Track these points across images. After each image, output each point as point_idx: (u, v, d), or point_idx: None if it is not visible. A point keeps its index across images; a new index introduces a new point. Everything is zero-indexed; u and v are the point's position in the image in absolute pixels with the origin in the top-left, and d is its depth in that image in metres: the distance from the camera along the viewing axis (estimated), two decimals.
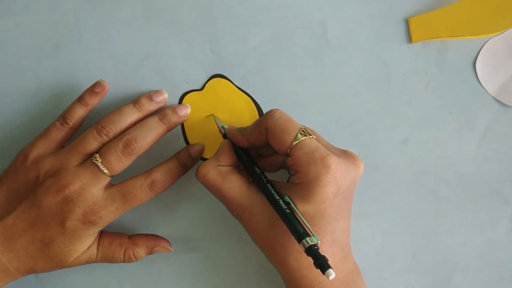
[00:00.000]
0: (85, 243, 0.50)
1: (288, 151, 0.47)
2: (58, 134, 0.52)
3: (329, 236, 0.47)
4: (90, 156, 0.50)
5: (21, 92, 0.55)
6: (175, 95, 0.55)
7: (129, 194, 0.50)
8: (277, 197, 0.47)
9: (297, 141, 0.47)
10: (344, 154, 0.48)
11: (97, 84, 0.53)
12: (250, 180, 0.50)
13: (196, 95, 0.55)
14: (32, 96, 0.55)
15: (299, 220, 0.45)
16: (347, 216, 0.48)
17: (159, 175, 0.51)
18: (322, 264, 0.42)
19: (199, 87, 0.55)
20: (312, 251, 0.43)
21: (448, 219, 0.55)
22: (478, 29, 0.54)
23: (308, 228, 0.45)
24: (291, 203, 0.46)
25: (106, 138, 0.50)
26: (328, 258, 0.44)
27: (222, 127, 0.53)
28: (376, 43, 0.55)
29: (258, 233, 0.48)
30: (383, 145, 0.55)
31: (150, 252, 0.53)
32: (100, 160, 0.49)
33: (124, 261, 0.52)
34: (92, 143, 0.50)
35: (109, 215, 0.50)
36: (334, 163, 0.45)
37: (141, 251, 0.52)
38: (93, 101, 0.53)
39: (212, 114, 0.54)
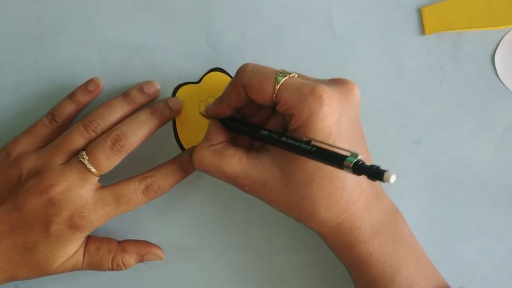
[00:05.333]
0: (71, 249, 0.50)
1: (274, 99, 0.47)
2: (44, 131, 0.51)
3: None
4: (76, 153, 0.49)
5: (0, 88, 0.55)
6: (167, 91, 0.55)
7: (123, 198, 0.50)
8: (297, 143, 0.45)
9: (279, 84, 0.46)
10: (334, 81, 0.48)
11: (91, 82, 0.52)
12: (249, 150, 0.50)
13: (191, 88, 0.55)
14: (12, 92, 0.55)
15: (331, 150, 0.44)
16: (363, 145, 0.48)
17: (157, 180, 0.51)
18: (376, 171, 0.40)
19: (194, 81, 0.55)
20: (360, 166, 0.41)
21: (464, 226, 0.55)
22: (496, 19, 0.54)
23: (342, 149, 0.43)
24: (311, 138, 0.45)
25: (93, 134, 0.50)
26: (357, 197, 0.46)
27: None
28: (386, 35, 0.55)
29: (278, 197, 0.48)
30: (394, 146, 0.55)
31: (141, 260, 0.52)
32: (87, 158, 0.49)
33: (112, 269, 0.52)
34: (79, 139, 0.50)
35: (99, 219, 0.49)
36: (325, 91, 0.45)
37: (131, 258, 0.52)
38: (85, 100, 0.52)
39: (200, 112, 0.54)
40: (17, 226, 0.48)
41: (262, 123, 0.51)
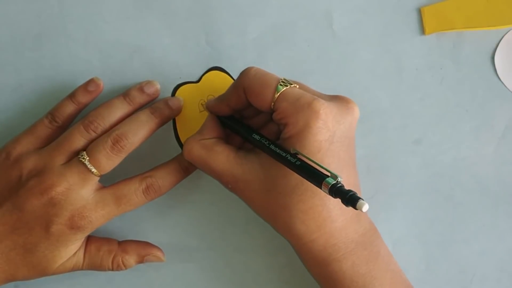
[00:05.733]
0: (71, 249, 0.49)
1: (272, 106, 0.47)
2: (44, 131, 0.51)
3: None
4: (76, 154, 0.49)
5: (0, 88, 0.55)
6: (167, 91, 0.54)
7: (123, 198, 0.49)
8: (284, 154, 0.46)
9: (278, 93, 0.47)
10: (335, 98, 0.48)
11: (91, 82, 0.52)
12: (238, 148, 0.50)
13: (191, 87, 0.55)
14: (12, 92, 0.54)
15: (314, 167, 0.44)
16: (352, 168, 0.48)
17: (157, 180, 0.50)
18: (351, 197, 0.41)
19: (194, 80, 0.55)
20: (337, 189, 0.42)
21: (464, 226, 0.55)
22: (496, 19, 0.54)
23: (324, 169, 0.44)
24: (298, 152, 0.45)
25: (94, 134, 0.50)
26: (336, 217, 0.45)
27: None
28: (386, 35, 0.55)
29: (258, 201, 0.48)
30: (394, 146, 0.55)
31: (141, 260, 0.52)
32: (88, 158, 0.48)
33: (113, 269, 0.51)
34: (79, 139, 0.49)
35: (99, 219, 0.49)
36: (323, 107, 0.45)
37: (131, 259, 0.52)
38: (85, 100, 0.52)
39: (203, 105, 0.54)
40: (17, 226, 0.48)
41: (258, 127, 0.51)
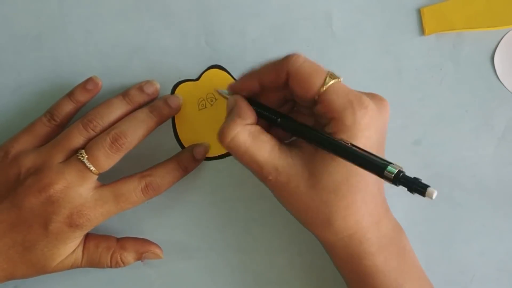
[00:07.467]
0: (70, 247, 0.50)
1: (316, 97, 0.46)
2: (43, 130, 0.51)
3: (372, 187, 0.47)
4: (75, 152, 0.49)
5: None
6: (166, 92, 0.54)
7: (122, 196, 0.50)
8: (337, 141, 0.45)
9: (327, 85, 0.46)
10: (372, 96, 0.48)
11: (89, 81, 0.52)
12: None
13: (190, 86, 0.54)
14: (11, 93, 0.54)
15: (373, 156, 0.44)
16: None
17: (156, 178, 0.51)
18: (419, 184, 0.41)
19: (193, 78, 0.55)
20: (403, 176, 0.42)
21: (464, 226, 0.55)
22: (496, 20, 0.54)
23: (384, 160, 0.44)
24: (353, 144, 0.45)
25: (92, 133, 0.50)
26: (372, 212, 0.46)
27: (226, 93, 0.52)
28: (385, 35, 0.55)
29: (298, 196, 0.47)
30: (394, 146, 0.53)
31: (139, 257, 0.53)
32: (86, 156, 0.49)
33: (111, 266, 0.52)
34: (78, 138, 0.49)
35: (98, 217, 0.49)
36: (371, 103, 0.46)
37: (129, 256, 0.52)
38: (84, 98, 0.52)
39: (214, 89, 0.54)
40: (16, 224, 0.48)
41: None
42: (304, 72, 0.46)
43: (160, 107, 0.52)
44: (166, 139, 0.54)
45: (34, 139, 0.51)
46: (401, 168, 0.43)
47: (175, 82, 0.54)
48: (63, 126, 0.52)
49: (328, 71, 0.46)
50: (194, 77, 0.54)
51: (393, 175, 0.42)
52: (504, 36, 0.54)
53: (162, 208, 0.54)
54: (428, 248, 0.54)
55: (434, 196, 0.40)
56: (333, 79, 0.46)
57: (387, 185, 0.53)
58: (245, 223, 0.54)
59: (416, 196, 0.53)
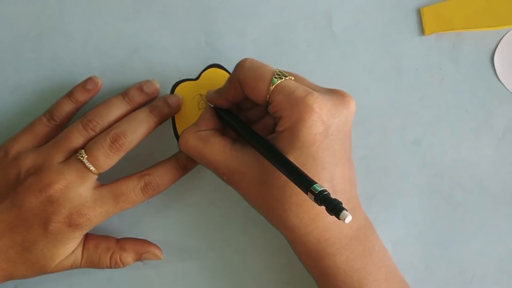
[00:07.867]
0: (70, 247, 0.50)
1: (267, 99, 0.47)
2: (43, 129, 0.51)
3: (327, 184, 0.46)
4: (75, 152, 0.49)
5: None
6: (166, 91, 0.54)
7: (122, 196, 0.50)
8: (278, 151, 0.46)
9: (273, 86, 0.46)
10: (331, 91, 0.47)
11: (89, 80, 0.52)
12: (233, 140, 0.50)
13: (190, 85, 0.54)
14: (11, 92, 0.54)
15: (303, 172, 0.44)
16: (347, 161, 0.48)
17: (155, 177, 0.50)
18: (335, 207, 0.40)
19: (193, 77, 0.55)
20: (323, 197, 0.41)
21: (464, 226, 0.55)
22: (496, 20, 0.54)
23: (310, 179, 0.43)
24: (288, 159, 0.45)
25: (92, 133, 0.50)
26: None
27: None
28: (385, 35, 0.55)
29: (252, 193, 0.48)
30: (393, 147, 0.55)
31: (139, 258, 0.52)
32: (86, 156, 0.49)
33: (110, 267, 0.51)
34: (78, 138, 0.49)
35: (97, 217, 0.49)
36: (317, 100, 0.45)
37: (129, 256, 0.52)
38: (84, 98, 0.52)
39: (199, 95, 0.54)
40: (16, 224, 0.48)
41: (256, 119, 0.51)
42: (250, 78, 0.47)
43: (160, 106, 0.52)
44: (166, 139, 0.54)
45: (34, 139, 0.51)
46: (323, 188, 0.42)
47: (175, 81, 0.54)
48: (63, 126, 0.52)
49: (275, 71, 0.47)
50: (194, 77, 0.54)
51: (317, 192, 0.42)
52: (504, 36, 0.54)
53: (162, 208, 0.54)
54: (428, 248, 0.54)
55: (347, 220, 0.39)
56: (280, 78, 0.46)
57: (388, 185, 0.54)
58: (245, 223, 0.54)
59: (416, 196, 0.54)
